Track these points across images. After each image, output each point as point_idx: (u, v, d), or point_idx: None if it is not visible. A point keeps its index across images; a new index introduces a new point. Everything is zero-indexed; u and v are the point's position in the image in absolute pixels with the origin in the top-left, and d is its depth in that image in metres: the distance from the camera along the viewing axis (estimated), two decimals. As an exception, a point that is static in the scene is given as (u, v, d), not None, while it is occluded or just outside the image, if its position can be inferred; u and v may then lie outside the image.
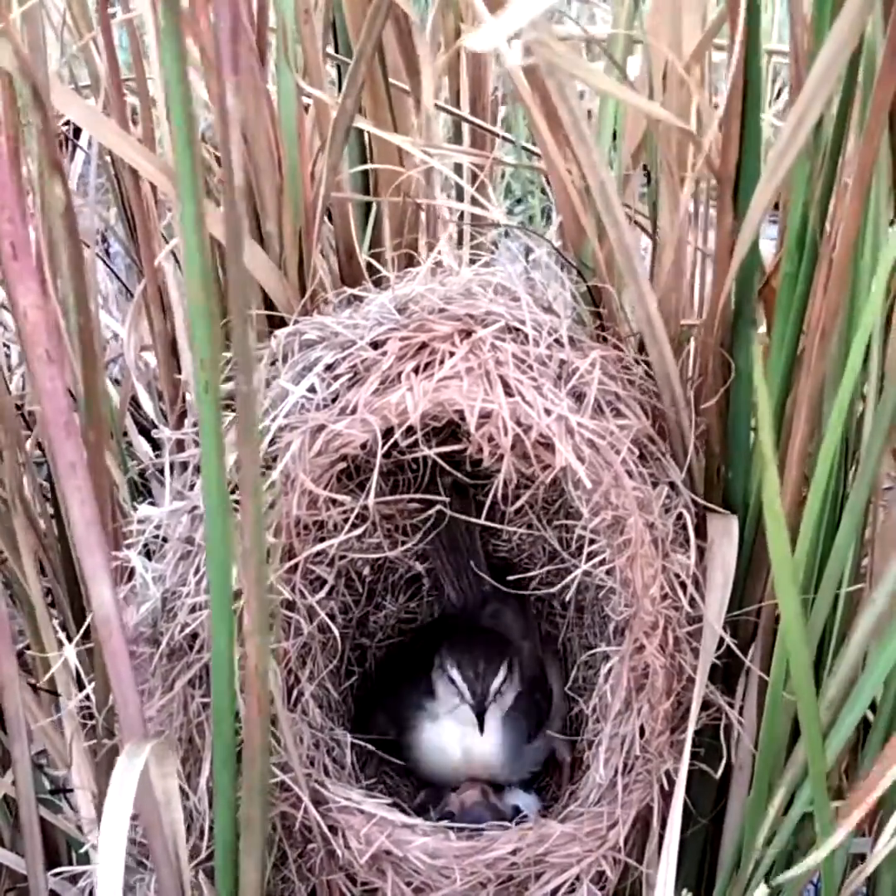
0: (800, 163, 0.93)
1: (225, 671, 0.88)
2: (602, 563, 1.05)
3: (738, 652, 1.06)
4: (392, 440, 1.01)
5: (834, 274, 0.93)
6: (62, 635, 1.21)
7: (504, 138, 1.42)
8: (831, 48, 0.78)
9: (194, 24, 0.98)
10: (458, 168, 1.33)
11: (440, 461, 1.12)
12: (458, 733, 1.20)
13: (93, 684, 1.10)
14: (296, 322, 1.08)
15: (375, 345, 1.02)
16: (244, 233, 0.76)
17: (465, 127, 1.38)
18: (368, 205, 1.23)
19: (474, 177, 1.31)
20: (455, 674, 1.17)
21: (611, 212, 0.97)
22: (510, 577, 1.25)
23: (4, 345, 1.71)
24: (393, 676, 1.29)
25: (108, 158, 1.44)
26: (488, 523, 1.19)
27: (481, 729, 1.16)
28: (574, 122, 0.93)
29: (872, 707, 1.09)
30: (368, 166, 1.21)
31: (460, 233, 1.34)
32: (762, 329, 1.08)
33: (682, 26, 1.01)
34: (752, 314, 1.05)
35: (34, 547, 1.21)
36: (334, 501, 1.04)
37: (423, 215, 1.22)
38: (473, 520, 1.20)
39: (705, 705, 1.06)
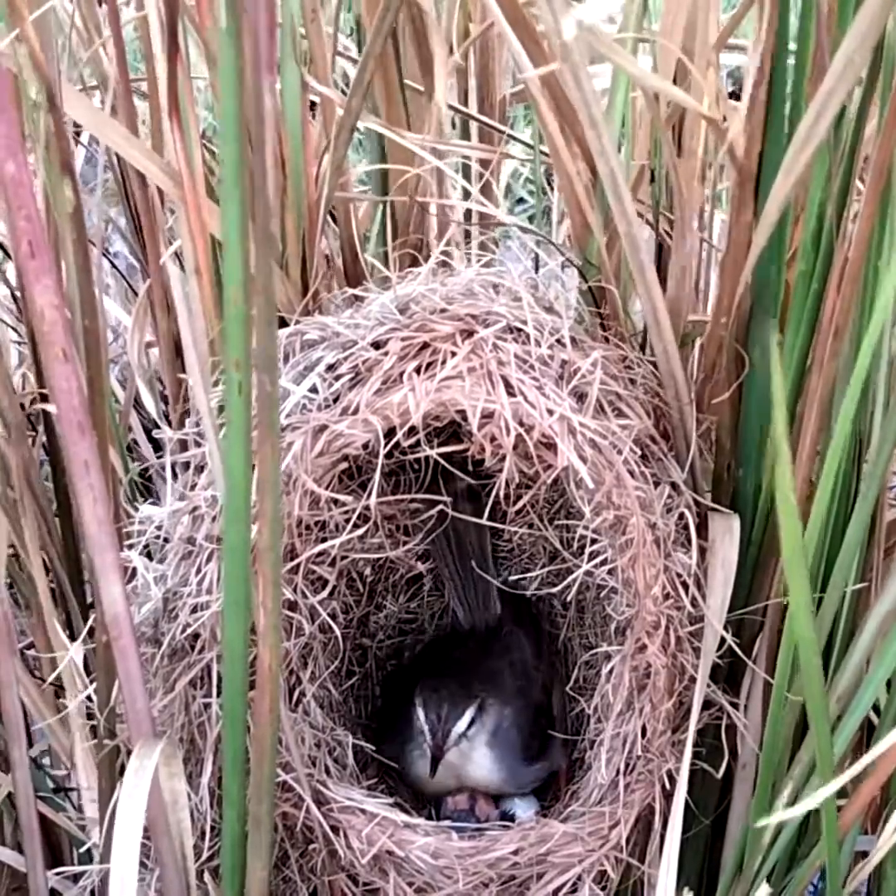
0: (817, 161, 0.92)
1: (239, 672, 0.88)
2: (604, 563, 1.05)
3: (739, 651, 1.06)
4: (394, 440, 1.01)
5: (848, 273, 0.92)
6: (64, 635, 1.21)
7: (511, 136, 1.42)
8: (852, 42, 0.78)
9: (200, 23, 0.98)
10: (464, 170, 1.33)
11: (443, 462, 1.12)
12: (451, 761, 1.18)
13: (95, 684, 1.10)
14: (297, 322, 1.08)
15: (377, 345, 1.01)
16: (273, 234, 0.76)
17: (473, 126, 1.38)
18: (384, 204, 1.23)
19: (478, 176, 1.31)
20: (420, 713, 1.16)
21: (620, 201, 0.96)
22: (512, 577, 1.25)
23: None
24: (396, 699, 1.28)
25: (114, 158, 1.44)
26: (490, 523, 1.19)
27: (433, 772, 1.15)
28: (585, 105, 0.92)
29: (876, 709, 1.09)
30: (378, 166, 1.20)
31: (464, 232, 1.34)
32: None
33: (697, 26, 1.01)
34: (770, 309, 1.04)
35: (40, 545, 1.22)
36: (336, 502, 1.05)
37: (425, 215, 1.22)
38: (474, 519, 1.20)
39: (707, 705, 1.06)
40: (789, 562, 0.84)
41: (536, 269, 1.27)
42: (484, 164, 1.32)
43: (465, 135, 1.40)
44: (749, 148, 0.98)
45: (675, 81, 1.05)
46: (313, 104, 1.15)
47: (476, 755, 1.19)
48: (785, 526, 0.81)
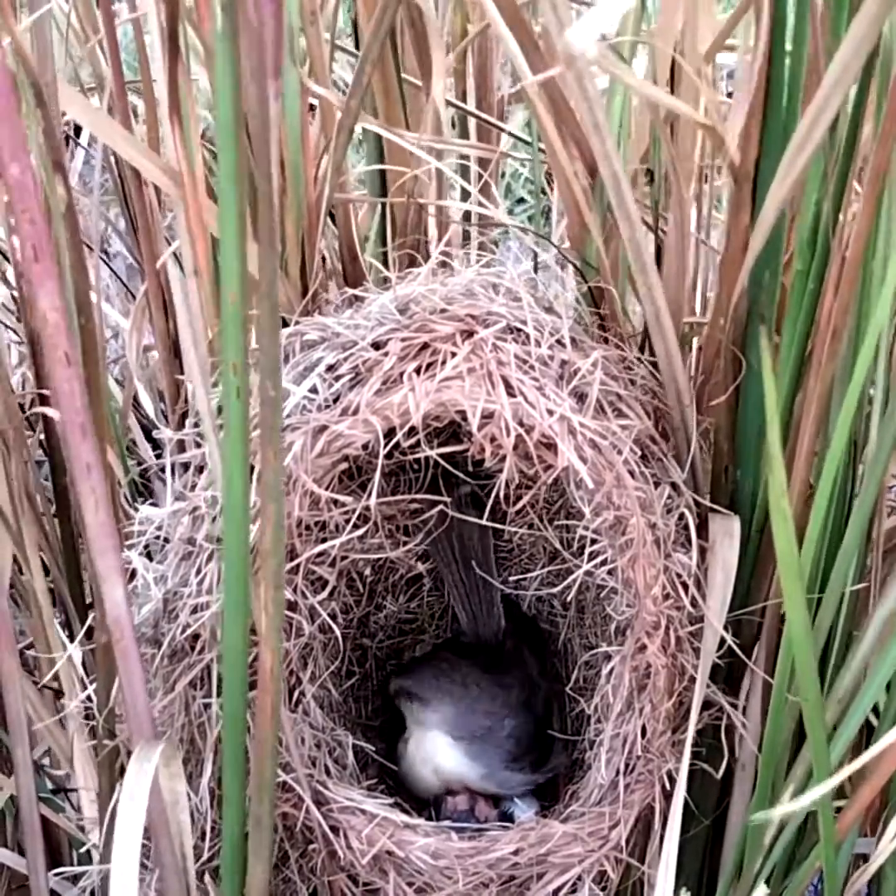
0: (813, 160, 0.92)
1: (239, 673, 0.88)
2: (604, 563, 1.05)
3: (739, 652, 1.06)
4: (394, 441, 1.01)
5: (845, 272, 0.92)
6: (64, 635, 1.21)
7: (510, 133, 1.42)
8: (849, 48, 0.78)
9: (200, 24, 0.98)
10: (463, 170, 1.33)
11: (444, 463, 1.12)
12: (426, 753, 1.20)
13: (94, 684, 1.10)
14: (297, 323, 1.08)
15: (377, 345, 1.01)
16: (276, 238, 0.76)
17: (472, 126, 1.38)
18: (383, 204, 1.23)
19: (477, 177, 1.31)
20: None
21: (622, 204, 0.96)
22: (512, 578, 1.25)
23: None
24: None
25: (111, 159, 1.44)
26: (491, 524, 1.19)
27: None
28: (590, 111, 0.92)
29: (875, 710, 1.09)
30: (377, 167, 1.20)
31: (463, 233, 1.34)
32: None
33: (696, 27, 1.01)
34: (766, 312, 1.04)
35: (39, 546, 1.21)
36: (336, 502, 1.04)
37: (424, 215, 1.22)
38: (478, 523, 1.19)
39: (707, 705, 1.06)
40: (785, 574, 0.84)
41: (536, 270, 1.27)
42: (483, 164, 1.32)
43: (464, 136, 1.40)
44: (745, 151, 0.98)
45: (671, 83, 1.05)
46: (312, 105, 1.15)
47: (447, 748, 1.20)
48: (780, 539, 0.82)
